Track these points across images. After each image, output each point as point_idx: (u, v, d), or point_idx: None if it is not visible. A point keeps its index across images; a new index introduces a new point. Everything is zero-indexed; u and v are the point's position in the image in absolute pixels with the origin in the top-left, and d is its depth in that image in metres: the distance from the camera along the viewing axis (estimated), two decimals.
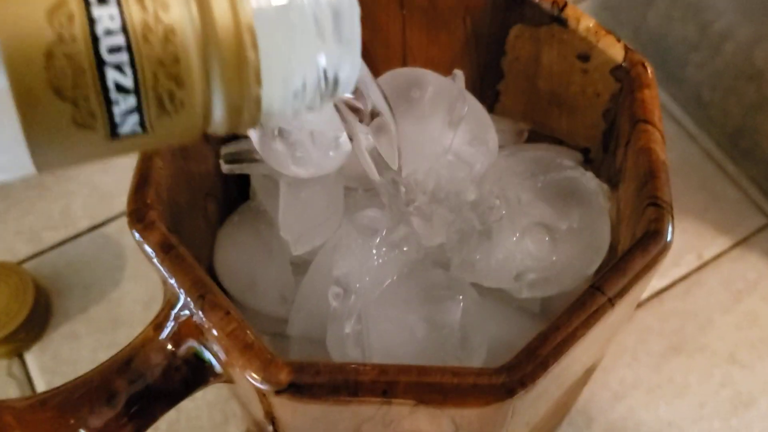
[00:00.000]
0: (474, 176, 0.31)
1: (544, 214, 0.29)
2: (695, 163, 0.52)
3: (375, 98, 0.26)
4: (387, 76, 0.33)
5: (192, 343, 0.26)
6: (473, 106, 0.32)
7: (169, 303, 0.26)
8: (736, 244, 0.49)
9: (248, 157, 0.33)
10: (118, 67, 0.17)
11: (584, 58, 0.31)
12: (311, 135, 0.30)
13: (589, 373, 0.34)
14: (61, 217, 0.49)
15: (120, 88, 0.17)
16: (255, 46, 0.18)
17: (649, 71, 0.29)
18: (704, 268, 0.48)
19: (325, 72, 0.20)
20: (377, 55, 0.36)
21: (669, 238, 0.27)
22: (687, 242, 0.49)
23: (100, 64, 0.17)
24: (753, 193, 0.50)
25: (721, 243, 0.49)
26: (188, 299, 0.25)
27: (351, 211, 0.32)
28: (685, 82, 0.52)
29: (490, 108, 0.37)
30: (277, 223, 0.31)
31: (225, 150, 0.33)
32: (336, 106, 0.27)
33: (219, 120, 0.19)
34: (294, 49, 0.19)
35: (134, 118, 0.17)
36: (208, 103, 0.18)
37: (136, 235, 0.26)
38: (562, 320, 0.25)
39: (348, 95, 0.25)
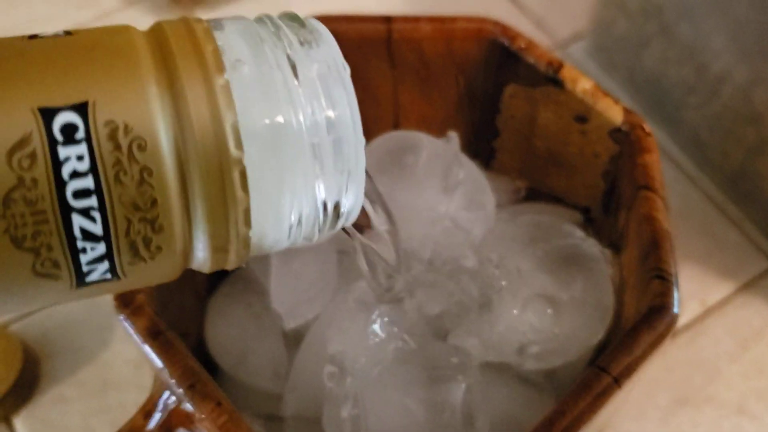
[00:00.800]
0: (472, 242, 0.30)
1: (546, 284, 0.28)
2: (696, 206, 0.51)
3: (380, 212, 0.24)
4: (380, 140, 0.32)
5: (183, 431, 0.25)
6: (469, 169, 0.31)
7: (159, 390, 0.25)
8: (740, 289, 0.48)
9: None
10: (86, 213, 0.15)
11: (582, 119, 0.30)
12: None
13: None
14: None
15: (88, 236, 0.15)
16: (245, 184, 0.16)
17: (649, 134, 0.29)
18: (708, 316, 0.47)
19: (324, 204, 0.18)
20: (368, 114, 0.35)
21: (676, 311, 0.26)
22: (690, 289, 0.48)
23: (66, 209, 0.15)
24: (755, 237, 0.49)
25: (725, 289, 0.48)
26: (178, 389, 0.24)
27: (346, 278, 0.31)
28: (682, 124, 0.52)
29: (486, 164, 0.36)
30: (268, 295, 0.30)
31: None
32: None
33: (202, 260, 0.17)
34: (289, 183, 0.17)
35: (104, 266, 0.16)
36: (189, 246, 0.16)
37: (124, 320, 0.26)
38: (568, 404, 0.24)
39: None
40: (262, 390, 0.31)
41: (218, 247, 0.17)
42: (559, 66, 0.30)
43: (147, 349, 0.25)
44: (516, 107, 0.33)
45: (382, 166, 0.31)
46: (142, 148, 0.15)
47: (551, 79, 0.30)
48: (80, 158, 0.15)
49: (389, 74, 0.33)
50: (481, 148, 0.36)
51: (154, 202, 0.15)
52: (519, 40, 0.31)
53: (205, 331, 0.32)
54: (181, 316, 0.30)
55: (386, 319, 0.27)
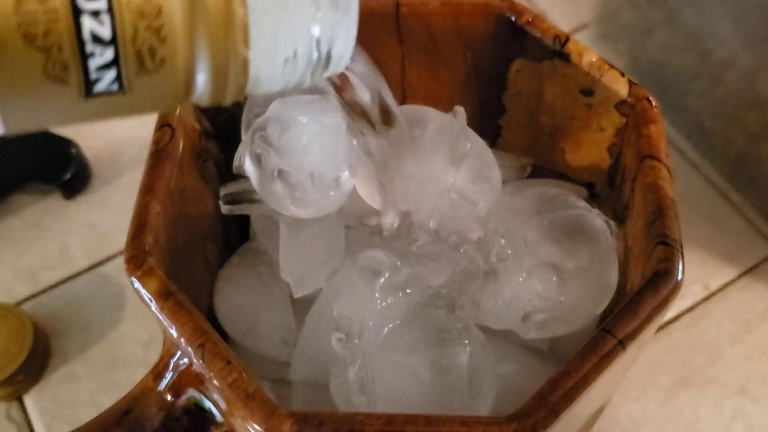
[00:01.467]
0: (478, 214, 0.31)
1: (551, 253, 0.28)
2: (699, 192, 0.51)
3: (382, 92, 0.24)
4: None
5: (192, 392, 0.26)
6: (475, 143, 0.31)
7: (169, 351, 0.26)
8: (743, 274, 0.48)
9: (248, 197, 0.32)
10: (96, 15, 0.15)
11: (588, 92, 0.31)
12: (311, 176, 0.29)
13: (599, 412, 0.33)
14: (60, 257, 0.48)
15: (96, 39, 0.15)
16: (243, 1, 0.16)
17: (654, 106, 0.29)
18: (711, 299, 0.47)
19: (318, 43, 0.18)
20: None
21: (680, 277, 0.26)
22: (693, 273, 0.48)
23: (77, 11, 0.15)
24: (758, 222, 0.50)
25: (728, 273, 0.48)
26: (188, 348, 0.25)
27: (352, 250, 0.32)
28: (686, 112, 0.52)
29: (492, 142, 0.37)
30: (277, 265, 0.31)
31: (224, 191, 0.33)
32: (347, 113, 0.25)
33: (202, 85, 0.17)
34: (286, 12, 0.17)
35: (111, 74, 0.16)
36: (192, 63, 0.17)
37: (135, 282, 0.26)
38: (573, 365, 0.24)
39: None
40: (271, 357, 0.31)
41: (218, 68, 0.17)
42: (566, 39, 0.30)
43: (157, 309, 0.25)
44: (523, 83, 0.33)
45: (389, 138, 0.31)
46: None
47: (558, 52, 0.31)
48: None
49: (397, 50, 0.34)
50: (486, 126, 0.36)
51: (159, 10, 0.16)
52: (526, 15, 0.31)
53: (214, 300, 0.32)
54: (192, 285, 0.30)
55: (394, 280, 0.27)
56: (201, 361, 0.24)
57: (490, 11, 0.31)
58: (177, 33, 0.16)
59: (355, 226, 0.33)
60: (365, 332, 0.27)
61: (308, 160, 0.29)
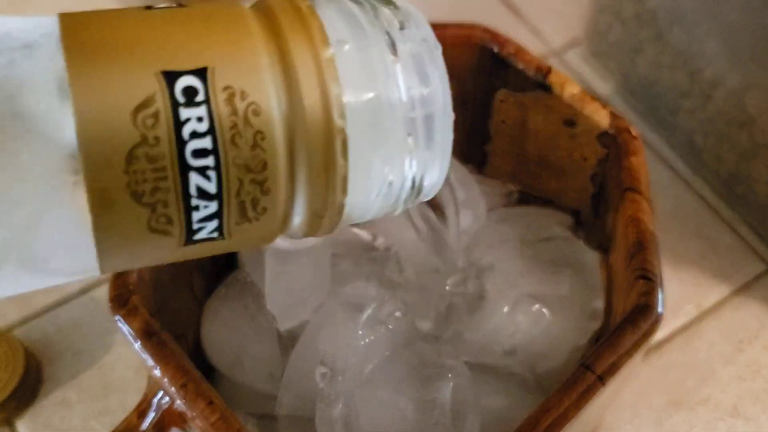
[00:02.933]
0: (462, 244, 0.31)
1: (535, 285, 0.29)
2: (690, 209, 0.51)
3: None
4: None
5: (176, 431, 0.26)
6: (459, 172, 0.32)
7: (152, 390, 0.26)
8: (736, 292, 0.48)
9: None
10: (203, 172, 0.16)
11: (570, 123, 0.31)
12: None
13: None
14: None
15: (202, 194, 0.16)
16: (345, 153, 0.17)
17: (635, 137, 0.29)
18: (704, 318, 0.47)
19: (412, 178, 0.18)
20: None
21: (660, 311, 0.26)
22: (685, 292, 0.48)
23: (184, 168, 0.15)
24: (751, 239, 0.50)
25: (720, 291, 0.48)
26: (171, 387, 0.25)
27: (339, 280, 0.32)
28: (677, 128, 0.52)
29: (479, 169, 0.37)
30: (264, 297, 0.31)
31: None
32: None
33: (297, 226, 0.18)
34: (383, 155, 0.17)
35: (213, 225, 0.16)
36: (290, 210, 0.17)
37: (119, 321, 0.26)
38: (552, 402, 0.24)
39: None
40: (258, 390, 0.31)
41: (315, 212, 0.17)
42: (548, 71, 0.31)
43: (140, 348, 0.25)
44: (507, 112, 0.33)
45: None
46: (256, 113, 0.16)
47: (540, 84, 0.31)
48: (200, 119, 0.15)
49: None
50: (474, 153, 0.37)
51: (264, 164, 0.16)
52: (508, 46, 0.31)
53: (201, 333, 0.32)
54: (178, 317, 0.31)
55: (378, 315, 0.27)
56: (183, 401, 0.25)
57: (473, 42, 0.32)
58: (279, 186, 0.16)
59: (345, 255, 0.34)
60: (349, 368, 0.27)
61: None
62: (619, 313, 0.28)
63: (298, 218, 0.17)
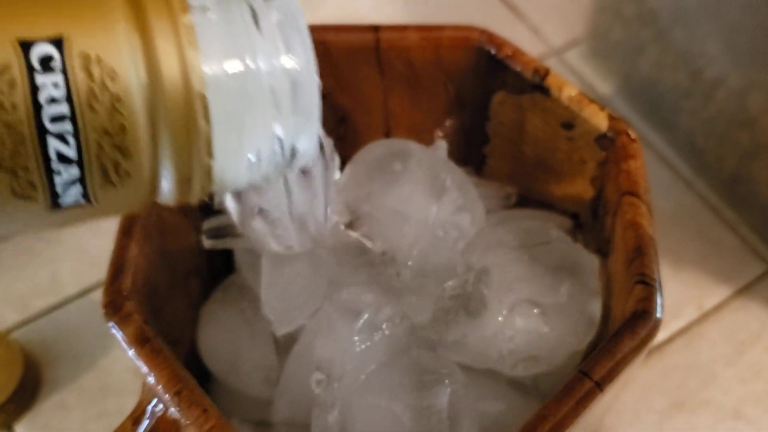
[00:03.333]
0: (459, 248, 0.31)
1: (533, 289, 0.28)
2: (692, 210, 0.51)
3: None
4: (368, 148, 0.32)
5: None
6: (457, 176, 0.31)
7: (147, 397, 0.26)
8: (737, 294, 0.48)
9: (231, 231, 0.32)
10: (61, 137, 0.16)
11: (568, 126, 0.31)
12: (290, 215, 0.29)
13: None
14: (50, 284, 0.48)
15: (62, 158, 0.16)
16: (207, 115, 0.17)
17: (633, 140, 0.29)
18: (705, 320, 0.47)
19: (281, 143, 0.19)
20: (359, 122, 0.35)
21: (659, 316, 0.26)
22: (687, 293, 0.48)
23: (42, 133, 0.16)
24: (752, 240, 0.49)
25: (722, 293, 0.48)
26: (165, 395, 0.25)
27: (336, 284, 0.31)
28: (678, 129, 0.52)
29: (478, 171, 0.37)
30: (260, 301, 0.31)
31: (207, 225, 0.33)
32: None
33: (167, 191, 0.18)
34: (248, 120, 0.18)
35: (77, 189, 0.17)
36: (156, 174, 0.17)
37: (113, 327, 0.26)
38: (550, 409, 0.24)
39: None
40: (253, 396, 0.31)
41: (183, 177, 0.18)
42: (546, 73, 0.30)
43: (134, 356, 0.25)
44: (504, 114, 0.33)
45: (371, 173, 0.31)
46: (112, 78, 0.16)
47: (537, 86, 0.30)
48: (56, 85, 0.16)
49: (379, 82, 0.34)
50: (472, 155, 0.36)
51: (123, 128, 0.16)
52: (505, 48, 0.31)
53: (197, 338, 0.32)
54: (174, 323, 0.30)
55: (375, 320, 0.27)
56: (177, 409, 0.24)
57: (470, 44, 0.31)
58: (141, 149, 0.17)
59: (339, 258, 0.33)
60: (345, 375, 0.27)
61: (290, 200, 0.29)
62: (617, 318, 0.27)
63: (166, 183, 0.18)
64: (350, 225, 0.32)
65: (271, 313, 0.30)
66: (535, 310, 0.28)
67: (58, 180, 0.16)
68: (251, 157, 0.18)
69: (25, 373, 0.43)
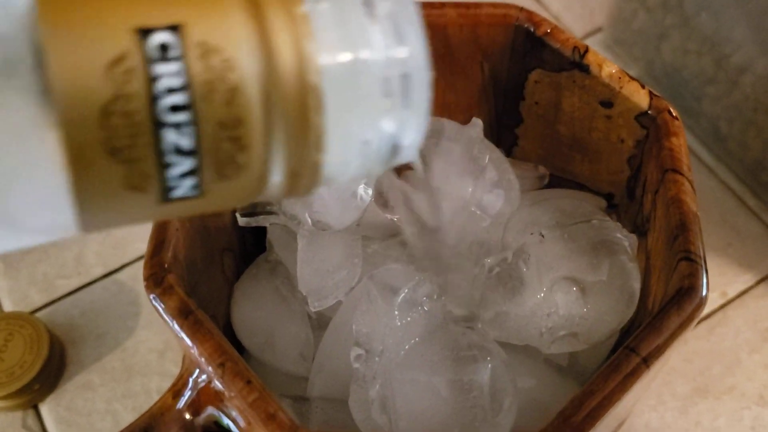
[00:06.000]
0: (497, 226, 0.31)
1: (572, 267, 0.28)
2: (715, 197, 0.51)
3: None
4: None
5: (211, 410, 0.26)
6: (494, 154, 0.31)
7: (188, 369, 0.26)
8: (761, 280, 0.48)
9: (265, 209, 0.32)
10: (178, 128, 0.16)
11: (607, 104, 0.31)
12: (328, 189, 0.29)
13: (619, 426, 0.33)
14: (75, 265, 0.48)
15: (178, 150, 0.16)
16: (320, 109, 0.17)
17: (675, 118, 0.29)
18: (729, 306, 0.47)
19: (389, 138, 0.18)
20: None
21: (704, 293, 0.26)
22: (711, 280, 0.46)
23: (159, 124, 0.16)
24: None
25: (746, 279, 0.48)
26: (208, 367, 0.25)
27: (372, 263, 0.31)
28: (702, 116, 0.51)
29: (509, 152, 0.37)
30: (295, 278, 0.31)
31: None
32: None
33: (275, 185, 0.18)
34: (360, 113, 0.18)
35: (189, 182, 0.16)
36: (267, 167, 0.17)
37: (155, 300, 0.26)
38: (597, 384, 0.24)
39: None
40: (288, 372, 0.31)
41: (293, 171, 0.17)
42: (585, 51, 0.30)
43: (177, 328, 0.25)
44: (540, 93, 0.33)
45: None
46: (231, 69, 0.16)
47: (577, 64, 0.30)
48: (174, 75, 0.15)
49: None
50: (503, 136, 0.36)
51: (239, 120, 0.16)
52: (544, 26, 0.31)
53: (231, 314, 0.32)
54: (210, 299, 0.30)
55: (414, 296, 0.27)
56: (221, 381, 0.24)
57: (509, 22, 0.31)
58: (256, 142, 0.16)
59: (375, 238, 0.33)
60: (385, 349, 0.27)
61: None
62: (658, 297, 0.27)
63: (276, 177, 0.17)
64: (384, 203, 0.32)
65: (306, 289, 0.30)
66: (574, 288, 0.28)
67: (171, 172, 0.16)
68: (360, 150, 0.18)
69: (50, 354, 0.43)
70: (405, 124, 0.18)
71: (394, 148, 0.19)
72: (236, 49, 0.16)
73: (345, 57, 0.17)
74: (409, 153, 0.19)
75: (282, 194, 0.18)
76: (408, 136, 0.19)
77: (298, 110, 0.17)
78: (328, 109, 0.17)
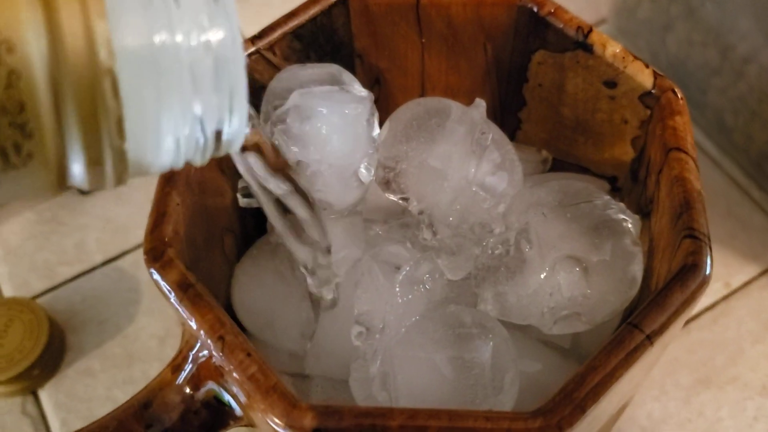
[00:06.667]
0: (499, 207, 0.30)
1: (575, 247, 0.28)
2: (720, 189, 0.51)
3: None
4: (406, 107, 0.32)
5: (211, 385, 0.25)
6: (496, 135, 0.31)
7: (188, 344, 0.26)
8: (765, 272, 0.47)
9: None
10: None
11: (611, 84, 0.30)
12: (329, 168, 0.29)
13: (621, 411, 0.32)
14: (76, 252, 0.48)
15: None
16: (116, 92, 0.16)
17: (680, 97, 0.28)
18: (732, 297, 0.47)
19: (202, 126, 0.18)
20: (395, 83, 0.35)
21: (708, 271, 0.25)
22: (714, 270, 0.47)
23: None
24: None
25: (749, 271, 0.47)
26: (208, 340, 0.24)
27: (372, 243, 0.31)
28: (706, 108, 0.51)
29: (512, 135, 0.36)
30: (295, 259, 0.30)
31: (242, 183, 0.32)
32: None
33: (79, 175, 0.17)
34: (163, 98, 0.16)
35: None
36: (63, 156, 0.16)
37: (154, 273, 0.26)
38: (600, 360, 0.23)
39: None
40: (289, 351, 0.31)
41: (93, 159, 0.16)
42: (589, 30, 0.30)
43: (176, 301, 0.25)
44: (544, 75, 0.33)
45: (408, 131, 0.31)
46: (10, 50, 0.15)
47: (581, 43, 0.30)
48: None
49: (417, 42, 0.33)
50: (506, 119, 0.36)
51: (22, 106, 0.15)
52: (548, 5, 0.31)
53: (232, 294, 0.32)
54: (210, 278, 0.30)
55: (415, 275, 0.27)
56: (221, 354, 0.24)
57: (512, 2, 0.31)
58: (43, 128, 0.15)
59: (377, 220, 0.33)
60: (386, 327, 0.26)
61: (328, 152, 0.29)
62: (662, 276, 0.27)
63: (76, 166, 0.16)
64: (387, 183, 0.31)
65: (306, 269, 0.30)
66: (577, 268, 0.28)
67: None
68: (169, 138, 0.17)
69: (50, 340, 0.43)
70: (220, 110, 0.17)
71: (212, 138, 0.18)
72: (15, 30, 0.15)
73: (143, 39, 0.16)
74: (232, 144, 0.18)
75: (89, 184, 0.17)
76: (228, 126, 0.18)
77: (90, 94, 0.15)
78: (127, 94, 0.16)
